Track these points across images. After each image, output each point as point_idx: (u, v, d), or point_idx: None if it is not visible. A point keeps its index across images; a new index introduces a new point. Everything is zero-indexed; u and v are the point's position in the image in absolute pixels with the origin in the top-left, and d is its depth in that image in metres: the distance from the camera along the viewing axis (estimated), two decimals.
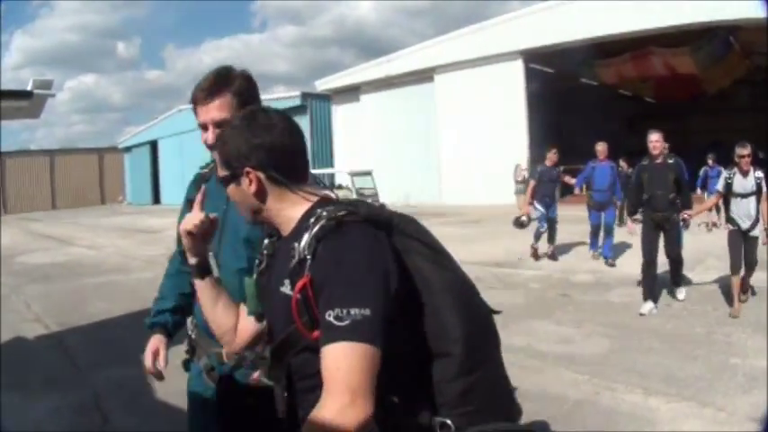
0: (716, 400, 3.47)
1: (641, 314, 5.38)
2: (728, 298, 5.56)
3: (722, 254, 5.85)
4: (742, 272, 5.38)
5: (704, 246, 7.95)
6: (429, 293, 1.03)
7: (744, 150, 5.27)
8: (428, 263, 1.05)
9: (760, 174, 5.29)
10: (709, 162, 11.29)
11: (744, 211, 5.32)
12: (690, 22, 16.24)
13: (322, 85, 22.75)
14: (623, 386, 3.76)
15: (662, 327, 5.08)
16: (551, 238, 8.62)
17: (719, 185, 5.59)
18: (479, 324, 1.06)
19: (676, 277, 5.89)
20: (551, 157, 8.48)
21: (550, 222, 8.46)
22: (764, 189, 5.27)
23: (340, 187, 21.63)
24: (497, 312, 1.13)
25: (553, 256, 8.60)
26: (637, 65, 21.33)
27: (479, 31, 20.42)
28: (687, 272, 6.44)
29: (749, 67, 21.08)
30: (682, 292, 5.90)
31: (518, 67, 19.85)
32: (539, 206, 8.43)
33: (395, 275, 0.97)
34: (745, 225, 5.32)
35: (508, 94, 19.55)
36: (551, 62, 20.71)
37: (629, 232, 6.36)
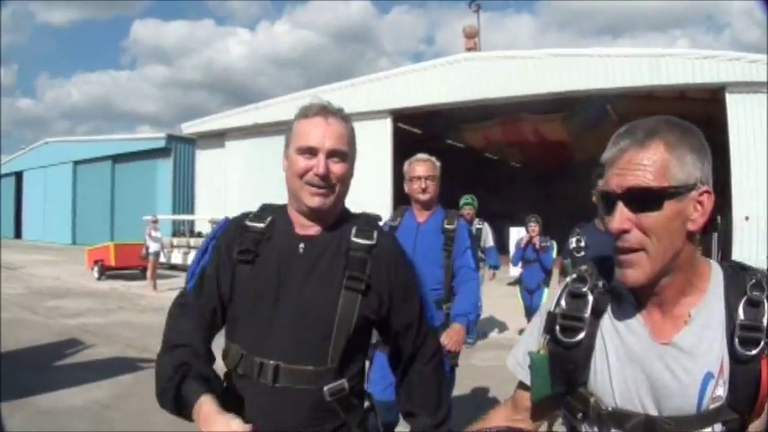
0: None
1: None
2: None
3: None
4: None
5: None
6: None
7: None
8: None
9: None
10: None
11: None
12: (565, 90, 16.36)
13: (188, 128, 21.61)
14: None
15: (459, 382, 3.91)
16: None
17: None
18: None
19: None
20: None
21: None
22: None
23: (200, 235, 20.32)
24: None
25: None
26: (506, 130, 21.74)
27: (350, 87, 20.30)
28: None
29: None
30: None
31: (387, 125, 19.76)
32: None
33: None
34: None
35: (376, 152, 19.25)
36: (418, 123, 20.80)
37: None
